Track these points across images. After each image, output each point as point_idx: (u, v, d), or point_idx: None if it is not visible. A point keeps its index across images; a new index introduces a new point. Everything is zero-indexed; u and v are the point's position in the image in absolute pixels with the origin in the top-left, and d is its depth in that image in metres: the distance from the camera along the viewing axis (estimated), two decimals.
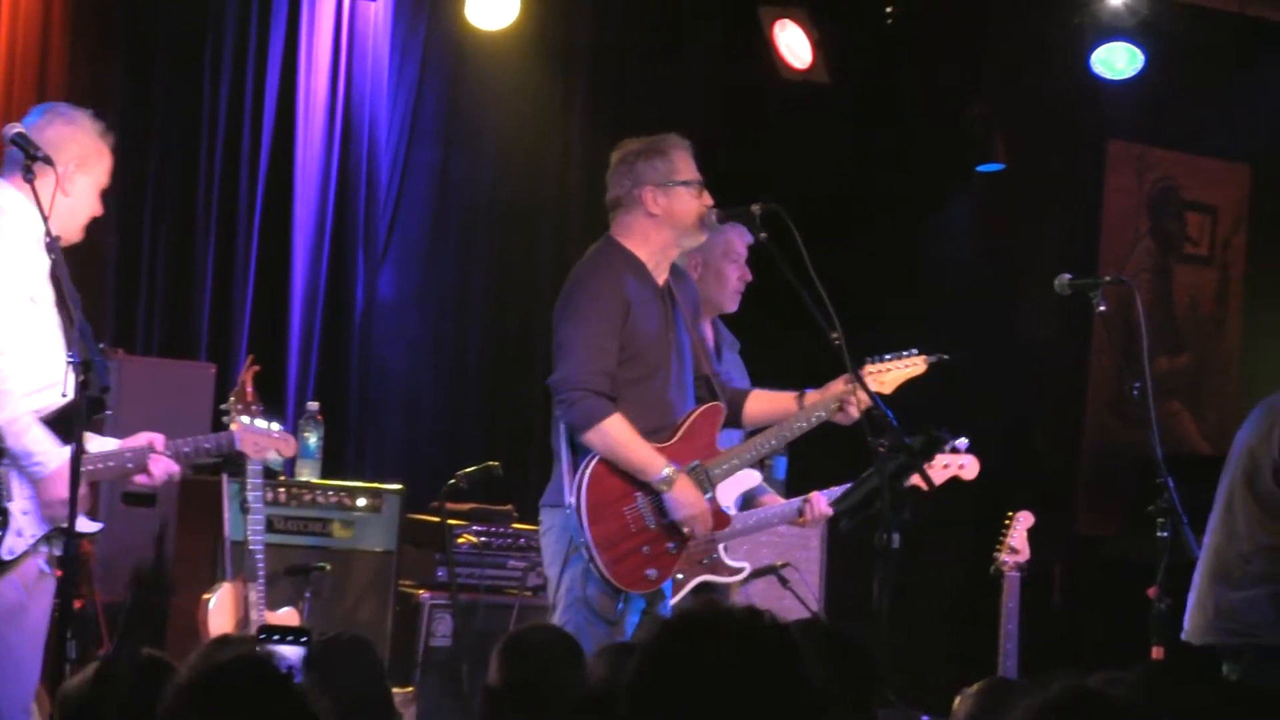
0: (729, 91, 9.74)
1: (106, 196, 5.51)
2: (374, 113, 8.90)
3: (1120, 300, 6.43)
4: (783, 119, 9.77)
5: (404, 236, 9.09)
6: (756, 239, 5.94)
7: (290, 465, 7.40)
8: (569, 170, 9.45)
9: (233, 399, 5.72)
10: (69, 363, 4.83)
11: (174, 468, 5.30)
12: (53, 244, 5.07)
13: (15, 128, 5.12)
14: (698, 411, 5.97)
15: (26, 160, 5.03)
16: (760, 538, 7.08)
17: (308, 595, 6.98)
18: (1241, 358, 11.07)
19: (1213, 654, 5.47)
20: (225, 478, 6.78)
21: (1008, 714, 3.58)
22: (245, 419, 5.61)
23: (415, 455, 8.95)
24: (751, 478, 6.28)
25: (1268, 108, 10.34)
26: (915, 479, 5.72)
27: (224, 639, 4.22)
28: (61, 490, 5.00)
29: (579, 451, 5.83)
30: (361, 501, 7.35)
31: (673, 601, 5.93)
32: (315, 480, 7.39)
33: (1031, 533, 6.60)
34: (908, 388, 6.05)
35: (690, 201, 5.98)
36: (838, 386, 5.95)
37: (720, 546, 6.04)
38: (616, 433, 5.76)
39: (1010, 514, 6.61)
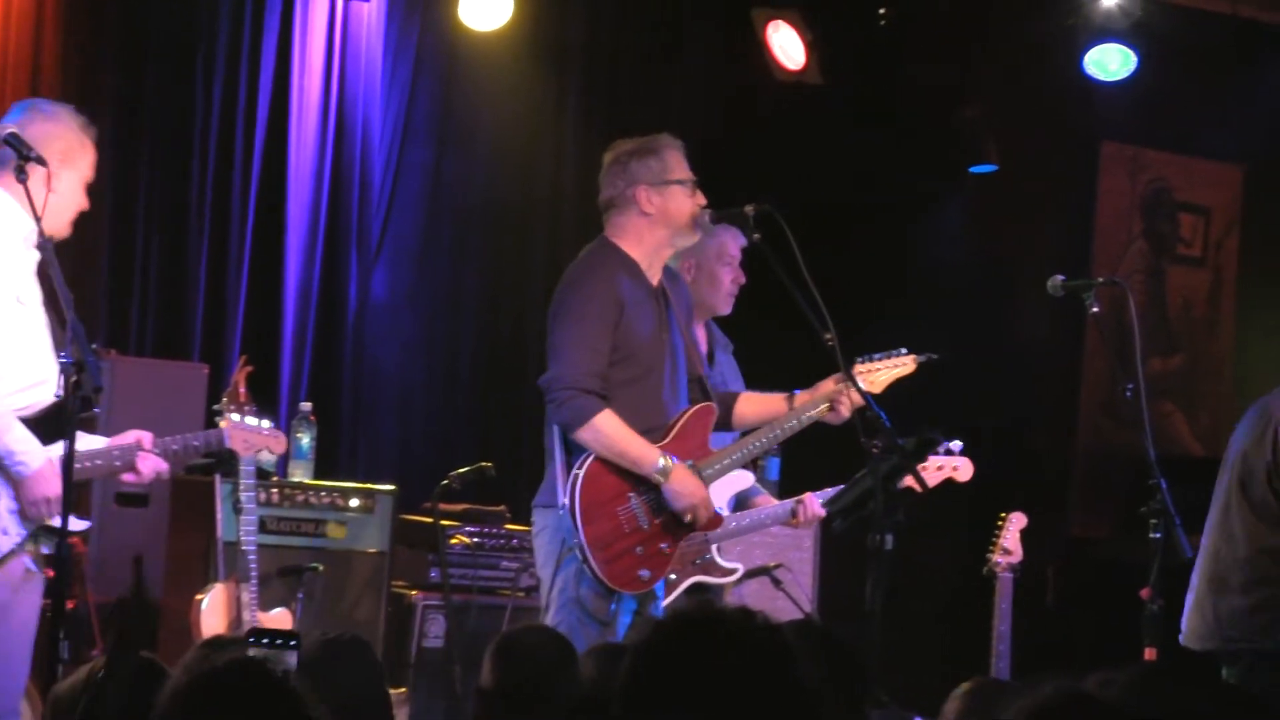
0: (722, 92, 9.74)
1: (99, 196, 5.51)
2: (367, 113, 8.90)
3: (1113, 301, 6.44)
4: (776, 120, 9.77)
5: (397, 237, 9.09)
6: (750, 240, 5.94)
7: (283, 466, 7.40)
8: (562, 171, 9.45)
9: (225, 399, 5.71)
10: (61, 363, 4.82)
11: (162, 466, 5.28)
12: (44, 243, 5.07)
13: (8, 128, 5.10)
14: (690, 412, 5.97)
15: (19, 161, 5.01)
16: (753, 539, 7.08)
17: (300, 596, 6.97)
18: (1234, 359, 11.09)
19: (1211, 658, 5.47)
20: (218, 478, 6.78)
21: (996, 715, 3.58)
22: (235, 416, 5.60)
23: (408, 456, 8.95)
24: (745, 479, 6.28)
25: (1261, 109, 10.36)
26: (909, 480, 5.73)
27: (215, 640, 4.21)
28: (43, 489, 5.00)
29: (573, 452, 5.82)
30: (354, 502, 7.34)
31: (666, 602, 5.93)
32: (308, 481, 7.38)
33: (1024, 534, 6.60)
34: (902, 389, 6.05)
35: (684, 200, 5.98)
36: (828, 386, 5.96)
37: (714, 547, 6.05)
38: (610, 428, 5.76)
39: (1003, 515, 6.61)
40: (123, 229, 8.29)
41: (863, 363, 6.01)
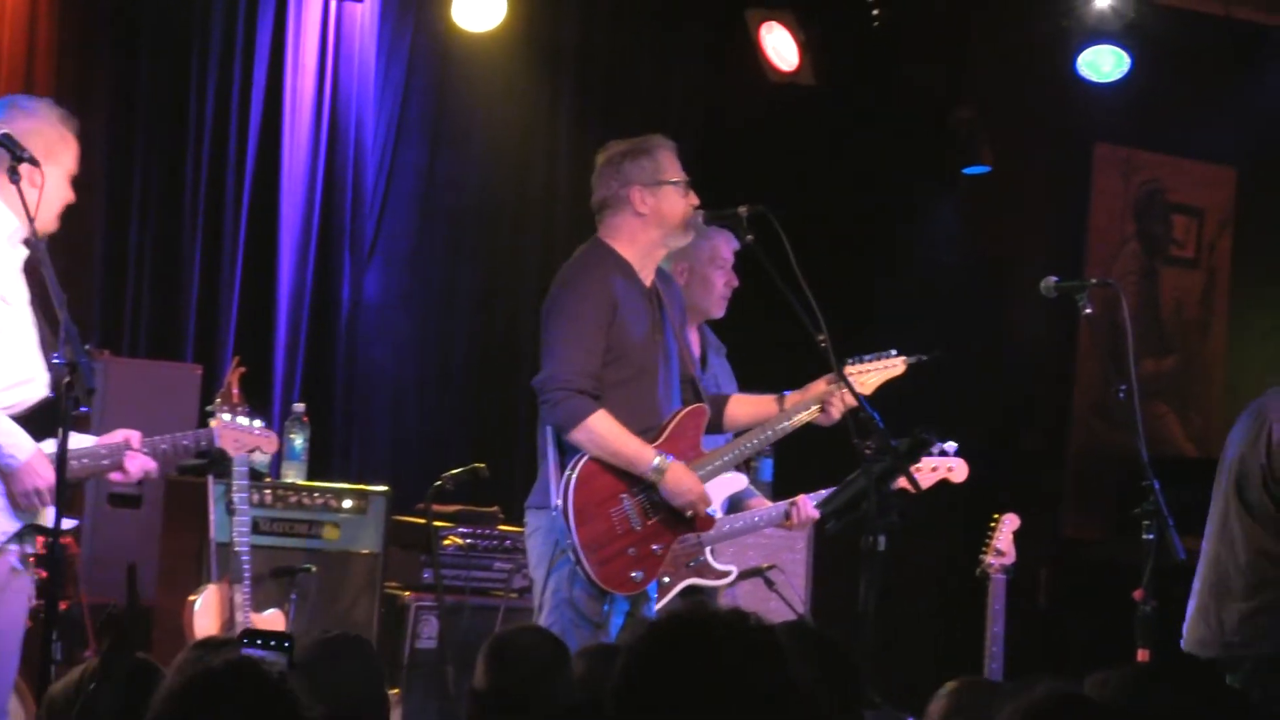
0: (715, 94, 9.74)
1: (92, 195, 5.49)
2: (360, 113, 8.90)
3: (1106, 302, 6.43)
4: (769, 121, 9.77)
5: (390, 237, 9.08)
6: (743, 242, 5.94)
7: (276, 467, 7.39)
8: (555, 171, 9.45)
9: (219, 400, 5.71)
10: (54, 365, 4.81)
11: (151, 465, 5.26)
12: (36, 242, 5.05)
13: (3, 128, 5.09)
14: (682, 412, 5.97)
15: (13, 161, 5.00)
16: (747, 540, 7.08)
17: (293, 597, 6.96)
18: (1227, 360, 11.09)
19: (1213, 664, 5.46)
20: (211, 479, 6.77)
21: (982, 715, 3.59)
22: (226, 415, 5.59)
23: (401, 457, 8.94)
24: (738, 481, 6.27)
25: (1254, 110, 10.36)
26: (902, 481, 5.73)
27: (208, 641, 4.21)
28: (34, 480, 4.98)
29: (566, 452, 5.82)
30: (347, 503, 7.34)
31: (660, 605, 5.92)
32: (301, 482, 7.38)
33: (1017, 535, 6.60)
34: (896, 389, 6.06)
35: (678, 200, 5.99)
36: (819, 387, 5.97)
37: (707, 549, 6.04)
38: (603, 428, 5.76)
39: (996, 516, 6.61)
40: (115, 229, 8.28)
41: (853, 364, 6.01)
